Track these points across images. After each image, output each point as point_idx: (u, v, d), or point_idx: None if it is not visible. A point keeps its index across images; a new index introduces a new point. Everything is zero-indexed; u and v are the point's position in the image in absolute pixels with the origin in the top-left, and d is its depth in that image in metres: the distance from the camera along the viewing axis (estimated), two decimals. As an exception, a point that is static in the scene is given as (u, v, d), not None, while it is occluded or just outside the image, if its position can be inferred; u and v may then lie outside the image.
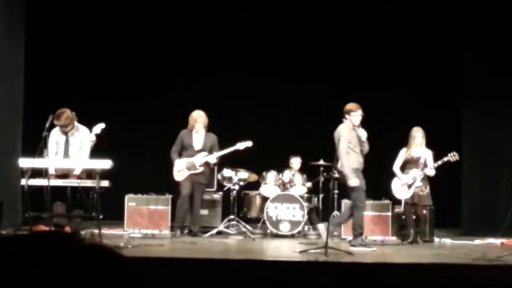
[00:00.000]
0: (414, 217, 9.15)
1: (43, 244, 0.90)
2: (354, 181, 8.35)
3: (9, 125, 9.77)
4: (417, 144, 9.24)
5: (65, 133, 8.35)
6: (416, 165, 9.18)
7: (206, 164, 9.54)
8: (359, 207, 8.39)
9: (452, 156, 9.09)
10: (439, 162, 9.05)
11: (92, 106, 10.23)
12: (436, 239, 9.37)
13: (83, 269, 0.87)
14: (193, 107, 9.68)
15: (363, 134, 8.49)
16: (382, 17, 11.43)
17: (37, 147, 7.78)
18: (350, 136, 8.40)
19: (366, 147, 8.55)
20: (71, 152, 8.35)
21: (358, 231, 8.34)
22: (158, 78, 11.81)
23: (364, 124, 11.33)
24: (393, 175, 9.32)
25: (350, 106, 8.50)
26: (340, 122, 10.37)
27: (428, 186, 9.14)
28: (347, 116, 8.47)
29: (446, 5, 11.04)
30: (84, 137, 8.43)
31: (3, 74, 9.66)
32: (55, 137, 8.36)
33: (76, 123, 8.40)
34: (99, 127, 8.78)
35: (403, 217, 9.33)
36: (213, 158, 9.49)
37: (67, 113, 8.22)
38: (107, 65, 11.50)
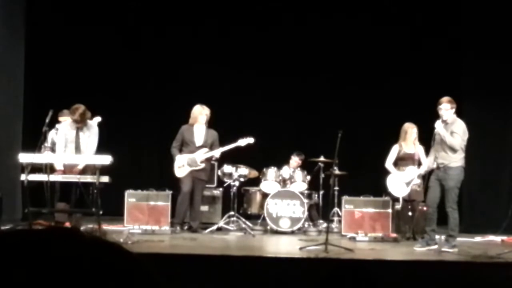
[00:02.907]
0: (410, 214, 9.14)
1: (46, 239, 0.89)
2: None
3: (9, 120, 9.76)
4: (412, 140, 9.22)
5: (76, 129, 8.39)
6: (412, 161, 9.17)
7: (207, 160, 9.53)
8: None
9: None
10: None
11: (92, 101, 10.14)
12: (436, 236, 9.35)
13: (89, 264, 0.85)
14: (193, 103, 9.66)
15: (438, 127, 7.95)
16: (382, 13, 11.41)
17: (37, 142, 7.78)
18: (436, 131, 8.11)
19: (446, 140, 7.89)
20: (82, 147, 8.40)
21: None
22: (159, 73, 11.80)
23: (366, 121, 11.39)
24: (389, 172, 9.29)
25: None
26: (340, 117, 10.40)
27: (422, 183, 9.13)
28: None
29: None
30: (92, 132, 8.48)
31: (4, 69, 9.65)
32: (64, 132, 8.39)
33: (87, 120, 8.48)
34: (96, 121, 8.81)
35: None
36: (218, 153, 9.50)
37: (82, 108, 8.32)
38: (107, 60, 11.48)
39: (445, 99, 7.99)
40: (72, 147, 8.39)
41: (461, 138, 7.94)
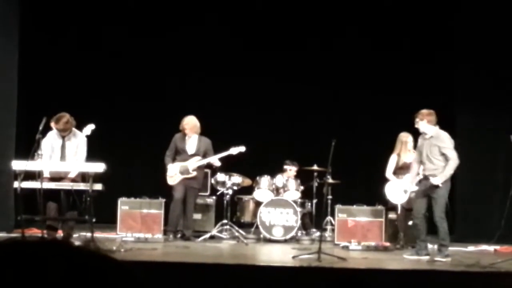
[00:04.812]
0: (407, 221, 9.14)
1: (36, 250, 0.89)
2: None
3: (2, 127, 9.72)
4: (408, 149, 9.25)
5: (62, 137, 8.33)
6: (410, 170, 9.19)
7: (200, 168, 9.53)
8: None
9: None
10: None
11: (86, 108, 10.19)
12: (429, 246, 9.36)
13: (80, 277, 0.85)
14: (187, 111, 9.66)
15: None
16: (380, 25, 11.44)
17: (30, 149, 7.75)
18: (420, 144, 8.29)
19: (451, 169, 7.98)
20: (67, 156, 8.33)
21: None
22: (153, 81, 11.78)
23: (359, 130, 11.42)
24: (385, 180, 9.30)
25: None
26: (333, 125, 10.40)
27: None
28: None
29: (442, 12, 11.07)
30: (80, 142, 8.41)
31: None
32: (50, 140, 8.33)
33: (73, 128, 8.40)
34: (89, 128, 8.77)
35: (396, 222, 9.35)
36: (214, 160, 9.47)
37: (67, 117, 8.21)
38: (101, 67, 11.47)
39: (422, 111, 8.12)
40: (58, 156, 8.33)
41: (453, 151, 8.01)
